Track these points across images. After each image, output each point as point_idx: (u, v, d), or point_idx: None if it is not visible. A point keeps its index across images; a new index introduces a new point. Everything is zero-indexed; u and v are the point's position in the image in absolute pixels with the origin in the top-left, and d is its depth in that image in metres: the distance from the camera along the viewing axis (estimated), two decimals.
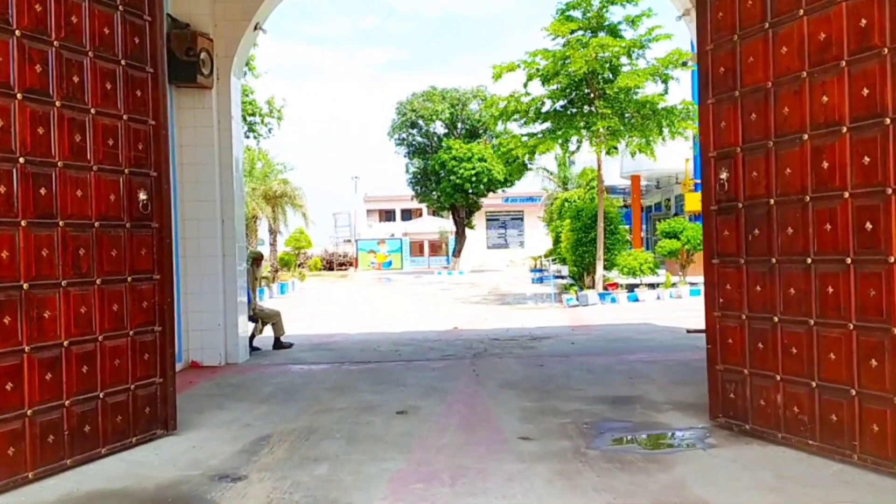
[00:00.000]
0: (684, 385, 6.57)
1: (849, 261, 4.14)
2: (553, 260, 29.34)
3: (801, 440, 4.44)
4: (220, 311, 8.57)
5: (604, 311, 16.46)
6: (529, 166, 27.13)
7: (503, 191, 43.63)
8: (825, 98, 4.25)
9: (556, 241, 28.85)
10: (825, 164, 4.25)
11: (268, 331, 10.22)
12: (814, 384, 4.35)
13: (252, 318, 9.76)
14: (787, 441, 4.54)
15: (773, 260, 4.59)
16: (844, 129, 4.14)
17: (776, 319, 4.58)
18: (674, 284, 18.58)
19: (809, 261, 4.36)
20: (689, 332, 10.46)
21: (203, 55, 8.13)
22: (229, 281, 8.69)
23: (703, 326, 10.59)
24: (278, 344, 10.06)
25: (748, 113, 4.76)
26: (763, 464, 4.27)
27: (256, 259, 10.10)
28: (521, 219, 55.33)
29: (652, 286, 18.64)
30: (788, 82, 4.48)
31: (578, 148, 21.23)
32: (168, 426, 5.32)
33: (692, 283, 18.77)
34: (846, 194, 4.14)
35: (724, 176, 4.94)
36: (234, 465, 4.57)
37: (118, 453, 4.87)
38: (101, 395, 4.78)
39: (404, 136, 43.88)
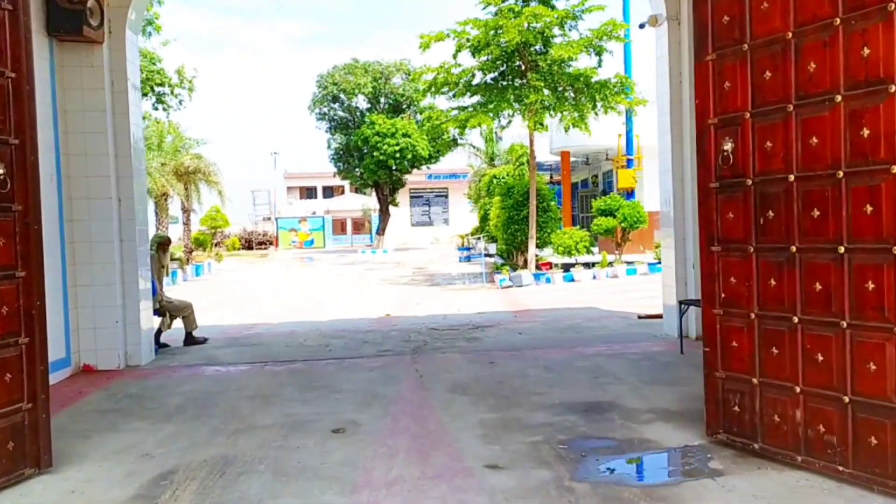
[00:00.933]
0: (658, 385, 5.81)
1: None
2: (480, 238, 28.62)
3: (829, 465, 3.70)
4: (118, 306, 7.35)
5: (541, 292, 15.79)
6: (460, 142, 26.18)
7: (427, 167, 42.64)
8: (866, 50, 3.45)
9: (484, 218, 28.12)
10: (866, 132, 3.47)
11: (178, 324, 9.03)
12: (846, 399, 3.60)
13: (158, 312, 8.55)
14: (808, 465, 3.79)
15: (793, 248, 3.81)
16: (893, 89, 3.36)
17: (796, 320, 3.81)
18: (610, 264, 18.08)
19: (842, 249, 3.59)
20: (640, 317, 9.85)
21: (91, 3, 6.84)
22: (129, 270, 7.47)
23: (654, 312, 10.00)
24: (190, 339, 8.88)
25: (760, 71, 3.94)
26: (790, 499, 3.50)
27: (162, 243, 8.83)
28: (446, 196, 54.49)
29: (587, 265, 18.08)
30: (815, 31, 3.67)
31: (510, 122, 20.50)
32: (41, 463, 4.19)
33: (628, 262, 18.33)
34: (895, 169, 3.37)
35: (727, 147, 4.12)
36: None
37: None
38: None
39: (325, 110, 42.25)
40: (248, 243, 50.11)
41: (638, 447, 4.37)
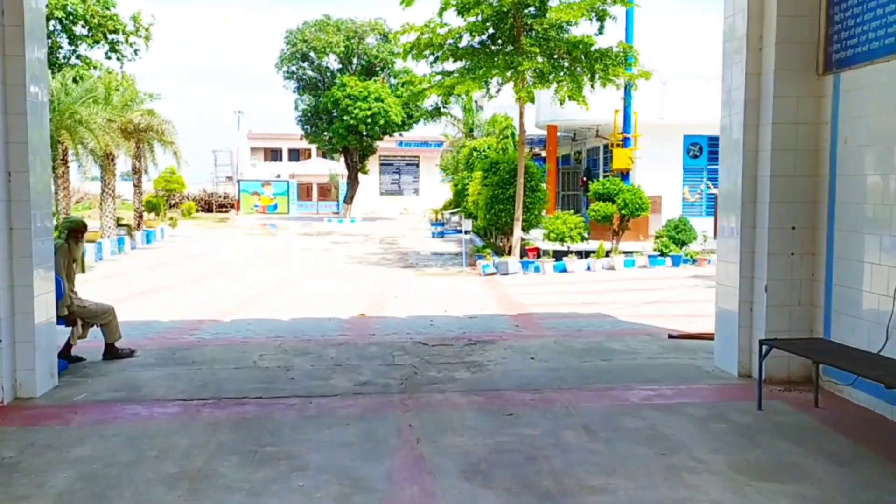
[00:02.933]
0: (761, 479, 4.07)
1: None
2: (459, 214, 26.74)
3: None
4: (2, 319, 5.39)
5: (531, 285, 14.06)
6: (444, 110, 24.15)
7: (400, 134, 40.54)
8: None
9: (460, 193, 26.23)
10: None
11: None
12: None
13: (66, 320, 6.55)
14: None
15: None
16: None
17: None
18: (607, 253, 16.38)
19: None
20: (671, 337, 8.13)
21: None
22: (20, 269, 5.51)
23: (686, 331, 8.28)
24: (111, 352, 6.93)
25: None
26: None
27: (74, 230, 6.74)
28: (417, 165, 52.35)
29: (580, 254, 16.36)
30: None
31: (499, 90, 18.62)
32: None
33: (626, 253, 16.65)
34: None
35: None
36: None
37: None
38: None
39: (294, 69, 39.80)
40: (208, 205, 47.74)
41: None
